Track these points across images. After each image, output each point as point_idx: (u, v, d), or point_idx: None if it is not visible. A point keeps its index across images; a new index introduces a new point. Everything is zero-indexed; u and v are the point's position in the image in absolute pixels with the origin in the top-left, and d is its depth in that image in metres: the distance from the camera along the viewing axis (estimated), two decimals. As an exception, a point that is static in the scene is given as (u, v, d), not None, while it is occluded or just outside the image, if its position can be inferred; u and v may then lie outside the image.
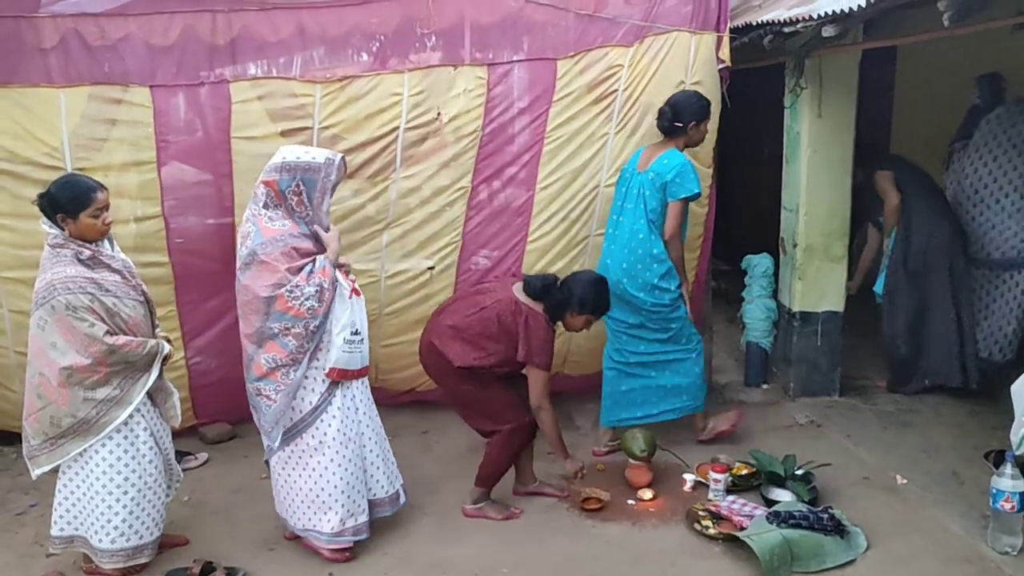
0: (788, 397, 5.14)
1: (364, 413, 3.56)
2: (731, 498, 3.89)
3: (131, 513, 3.29)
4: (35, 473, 3.29)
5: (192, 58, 4.17)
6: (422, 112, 4.42)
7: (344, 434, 3.46)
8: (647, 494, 3.99)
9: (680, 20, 4.55)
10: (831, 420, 4.83)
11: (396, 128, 4.41)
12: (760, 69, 5.08)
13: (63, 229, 3.16)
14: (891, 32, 4.72)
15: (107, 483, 3.24)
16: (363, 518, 3.53)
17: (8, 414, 4.40)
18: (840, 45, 4.38)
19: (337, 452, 3.44)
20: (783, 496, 3.87)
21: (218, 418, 4.75)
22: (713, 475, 3.94)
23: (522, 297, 3.75)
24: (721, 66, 4.58)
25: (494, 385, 3.78)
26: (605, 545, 3.63)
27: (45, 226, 3.18)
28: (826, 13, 3.89)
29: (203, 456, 4.51)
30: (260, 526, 3.81)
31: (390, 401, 4.75)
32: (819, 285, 5.02)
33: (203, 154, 4.28)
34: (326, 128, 4.34)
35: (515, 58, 4.48)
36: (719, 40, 4.56)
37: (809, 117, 4.79)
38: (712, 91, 4.57)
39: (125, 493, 3.27)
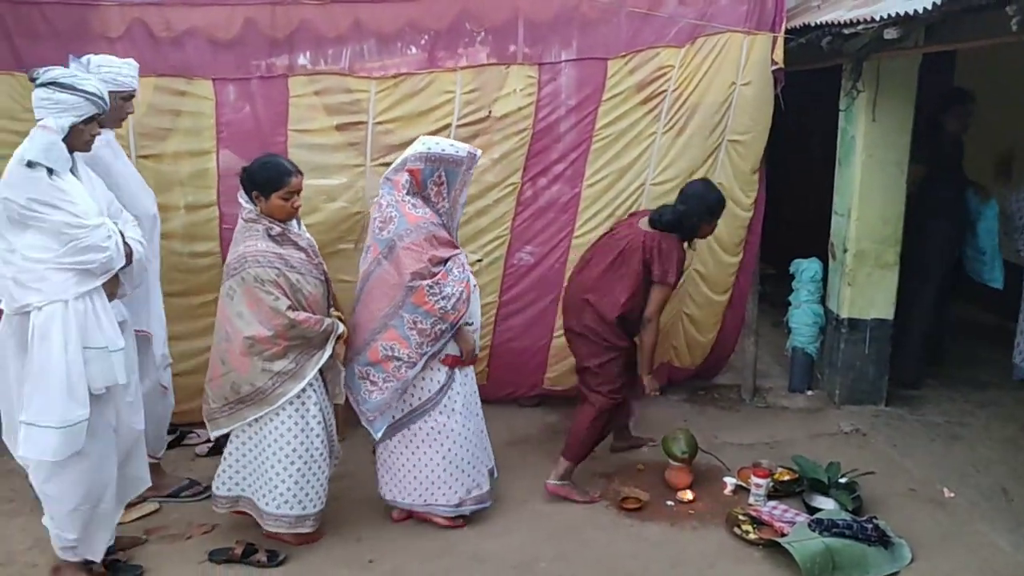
0: (833, 404, 5.07)
1: (474, 392, 3.78)
2: (772, 503, 3.86)
3: (296, 483, 3.42)
4: (213, 434, 3.47)
5: (252, 50, 4.25)
6: (474, 109, 4.47)
7: (468, 408, 3.68)
8: (687, 496, 3.98)
9: (734, 20, 4.52)
10: (877, 429, 4.76)
11: (448, 125, 4.47)
12: (813, 71, 5.01)
13: (256, 205, 3.31)
14: (953, 36, 4.62)
15: (277, 451, 3.39)
16: (486, 487, 3.76)
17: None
18: (901, 48, 4.30)
19: (464, 427, 3.66)
20: (826, 504, 3.83)
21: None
22: (754, 479, 3.91)
23: (651, 230, 3.94)
24: (775, 67, 4.54)
25: (622, 357, 3.98)
26: (644, 544, 3.63)
27: (242, 200, 3.36)
28: (889, 15, 3.82)
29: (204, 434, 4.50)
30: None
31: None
32: (869, 292, 4.94)
33: (258, 145, 4.33)
34: (380, 123, 4.40)
35: (564, 56, 4.51)
36: (774, 41, 4.52)
37: (864, 121, 4.72)
38: (763, 92, 4.57)
39: (292, 463, 3.40)
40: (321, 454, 3.48)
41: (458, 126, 4.46)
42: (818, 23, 4.42)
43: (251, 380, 3.31)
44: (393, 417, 3.62)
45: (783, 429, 4.68)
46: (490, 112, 4.48)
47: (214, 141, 4.28)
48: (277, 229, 3.34)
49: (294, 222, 3.45)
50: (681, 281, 4.73)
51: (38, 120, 3.01)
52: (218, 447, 4.21)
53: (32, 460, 3.05)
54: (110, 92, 3.42)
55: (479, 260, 4.66)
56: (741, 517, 3.74)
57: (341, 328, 3.46)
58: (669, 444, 4.11)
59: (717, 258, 4.94)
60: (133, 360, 3.36)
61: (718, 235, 4.64)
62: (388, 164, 4.37)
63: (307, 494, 3.48)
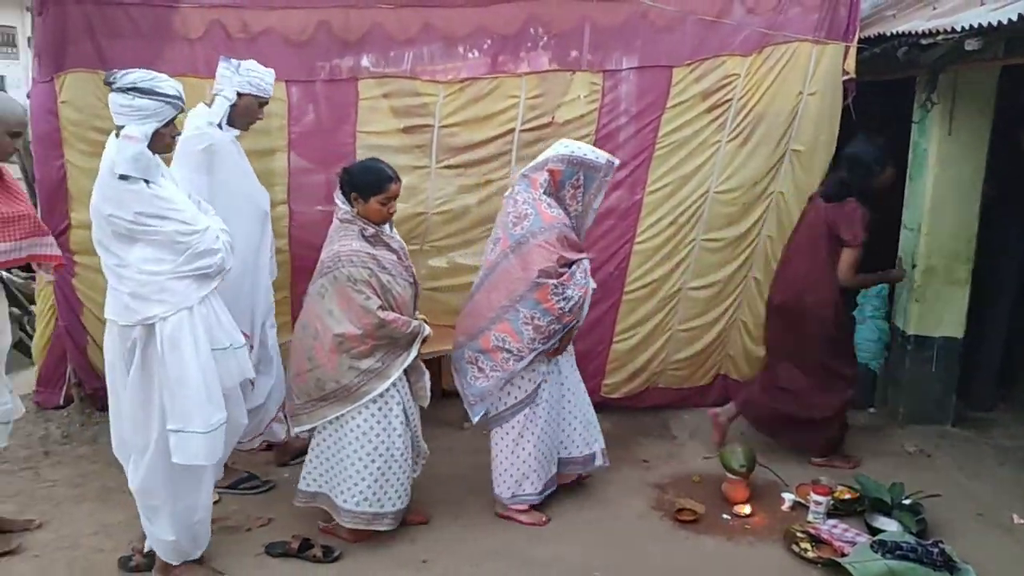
0: (896, 423, 4.94)
1: (567, 376, 3.86)
2: (832, 522, 3.78)
3: (376, 481, 3.46)
4: (295, 431, 3.55)
5: (323, 52, 4.35)
6: (538, 115, 4.53)
7: (549, 403, 3.76)
8: (744, 510, 3.92)
9: (804, 29, 4.46)
10: (943, 450, 4.62)
11: (512, 129, 4.53)
12: (883, 82, 4.90)
13: (352, 206, 3.38)
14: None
15: (358, 449, 3.43)
16: (553, 470, 3.86)
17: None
18: (980, 60, 4.18)
19: (545, 422, 3.75)
20: (888, 525, 3.74)
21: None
22: (814, 497, 3.83)
23: (829, 204, 4.20)
24: (846, 78, 4.46)
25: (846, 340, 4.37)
26: (699, 557, 3.58)
27: (338, 200, 3.42)
28: (971, 26, 3.71)
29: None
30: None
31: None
32: (937, 309, 4.80)
33: (326, 146, 4.47)
34: (446, 127, 4.48)
35: (626, 62, 4.52)
36: (846, 50, 4.44)
37: (938, 134, 4.60)
38: (830, 103, 4.50)
39: (372, 461, 3.44)
40: (403, 454, 3.51)
41: (522, 130, 4.52)
42: (894, 33, 4.33)
43: (337, 377, 3.36)
44: (496, 411, 3.74)
45: (844, 446, 4.56)
46: (553, 118, 4.52)
47: (285, 141, 4.38)
48: (371, 230, 3.40)
49: (387, 225, 3.51)
50: (741, 285, 4.78)
51: (117, 126, 3.03)
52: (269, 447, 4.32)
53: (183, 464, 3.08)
54: (250, 95, 3.68)
55: None
56: (800, 534, 3.67)
57: (427, 330, 3.50)
58: (727, 457, 4.05)
59: (773, 268, 4.81)
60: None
61: (775, 246, 4.65)
62: (452, 167, 4.53)
63: (386, 492, 3.51)
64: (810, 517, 3.83)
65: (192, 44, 4.17)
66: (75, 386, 4.74)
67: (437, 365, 4.87)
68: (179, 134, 3.24)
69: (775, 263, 4.79)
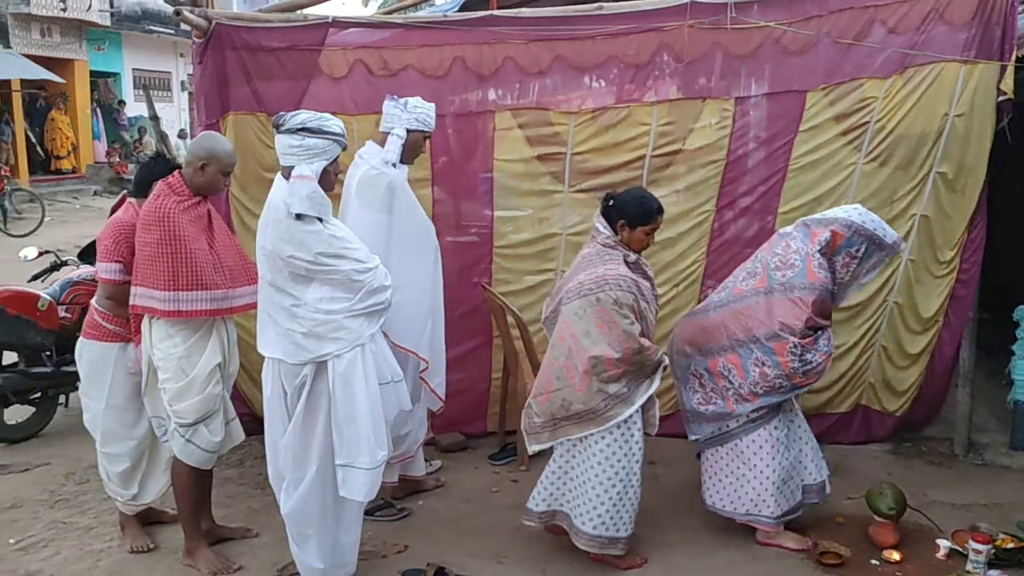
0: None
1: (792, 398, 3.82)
2: (994, 573, 3.51)
3: (614, 506, 3.49)
4: (532, 448, 3.61)
5: (459, 86, 4.50)
6: (669, 141, 4.55)
7: (783, 422, 3.74)
8: (894, 556, 3.70)
9: (951, 49, 4.27)
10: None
11: (643, 156, 4.58)
12: None
13: (616, 233, 3.48)
14: None
15: (599, 473, 3.48)
16: (799, 496, 3.79)
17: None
18: None
19: (787, 436, 3.74)
20: (1058, 578, 3.45)
21: (452, 428, 4.95)
22: (973, 544, 3.57)
23: None
24: (1002, 98, 4.22)
25: None
26: (846, 605, 3.40)
27: (599, 225, 3.53)
28: None
29: (436, 464, 4.71)
30: (490, 537, 3.92)
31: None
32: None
33: (467, 174, 4.66)
34: (578, 153, 4.57)
35: (756, 87, 4.49)
36: (1002, 70, 4.20)
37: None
38: (980, 123, 4.31)
39: (613, 486, 3.48)
40: (638, 480, 3.53)
41: (652, 156, 4.56)
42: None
43: (585, 400, 3.41)
44: (718, 431, 3.75)
45: (1004, 490, 4.26)
46: (684, 145, 4.53)
47: (430, 171, 4.54)
48: (633, 257, 3.49)
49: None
50: (879, 309, 4.66)
51: (284, 167, 3.13)
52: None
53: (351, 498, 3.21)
54: (418, 131, 3.85)
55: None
56: (959, 585, 3.44)
57: (666, 360, 3.55)
58: (875, 499, 3.84)
59: (916, 292, 4.66)
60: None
61: (918, 269, 4.51)
62: (584, 191, 4.63)
63: (622, 517, 3.51)
64: (969, 567, 3.57)
65: (338, 83, 4.38)
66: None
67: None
68: (342, 172, 3.36)
69: (917, 286, 4.61)
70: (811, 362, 3.52)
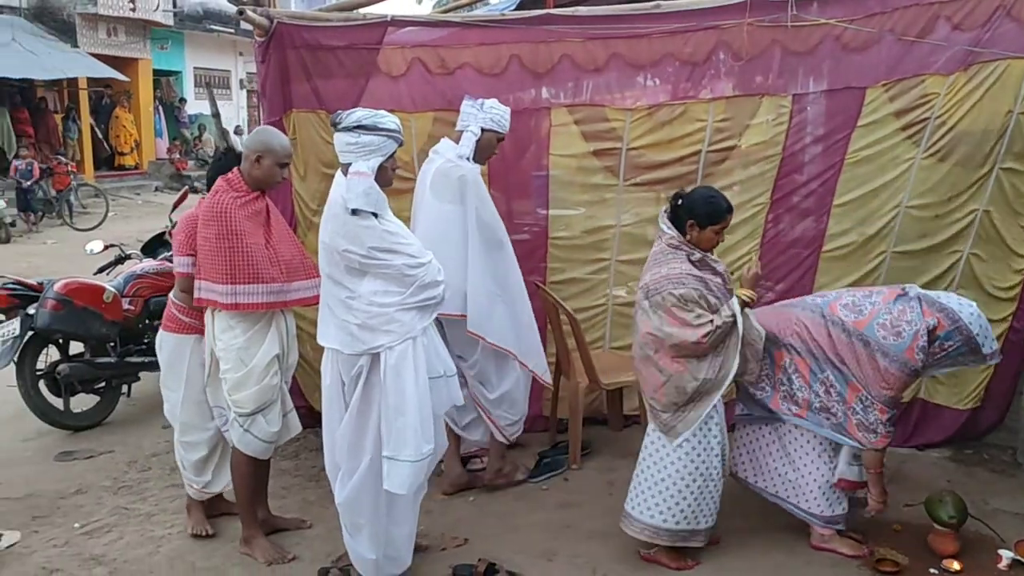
0: None
1: None
2: (1058, 585, 3.42)
3: (695, 500, 3.52)
4: (676, 442, 3.55)
5: (516, 84, 4.53)
6: (724, 137, 4.56)
7: None
8: (954, 565, 3.61)
9: (1018, 46, 4.17)
10: None
11: (698, 151, 4.58)
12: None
13: (686, 233, 3.51)
14: None
15: (680, 469, 3.51)
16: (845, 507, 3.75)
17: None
18: None
19: (824, 446, 3.69)
20: None
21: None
22: (1037, 556, 3.48)
23: None
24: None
25: None
26: (904, 613, 3.33)
27: (663, 226, 3.57)
28: None
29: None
30: (540, 535, 3.92)
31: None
32: None
33: (523, 168, 4.72)
34: (633, 149, 4.59)
35: (815, 84, 4.45)
36: (1075, 68, 4.08)
37: None
38: None
39: (694, 480, 3.51)
40: (718, 472, 3.56)
41: (708, 151, 4.57)
42: None
43: (695, 374, 3.44)
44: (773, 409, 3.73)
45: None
46: (740, 141, 4.53)
47: (486, 170, 4.50)
48: (697, 255, 3.49)
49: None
50: None
51: (343, 164, 3.21)
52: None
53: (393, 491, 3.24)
54: (491, 131, 3.96)
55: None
56: (1021, 597, 3.34)
57: (737, 307, 3.50)
58: (934, 506, 3.75)
59: (984, 284, 4.57)
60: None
61: (984, 264, 4.46)
62: (639, 184, 4.71)
63: (701, 510, 3.55)
64: (1032, 578, 3.49)
65: (396, 81, 4.44)
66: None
67: (619, 393, 4.87)
68: (398, 168, 3.42)
69: (986, 283, 4.55)
70: (871, 423, 3.47)
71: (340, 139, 3.17)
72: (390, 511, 3.34)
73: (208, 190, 3.76)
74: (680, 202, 3.53)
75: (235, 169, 3.56)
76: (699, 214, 3.48)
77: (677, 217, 3.53)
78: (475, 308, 3.94)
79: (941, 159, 4.37)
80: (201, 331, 3.69)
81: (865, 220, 4.54)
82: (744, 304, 3.49)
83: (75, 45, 18.07)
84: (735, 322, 3.45)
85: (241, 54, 23.92)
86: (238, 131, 21.06)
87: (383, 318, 3.14)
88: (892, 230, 4.53)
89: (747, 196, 4.62)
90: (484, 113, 3.92)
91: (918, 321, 3.39)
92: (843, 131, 4.43)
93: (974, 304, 3.48)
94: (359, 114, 3.16)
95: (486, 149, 4.01)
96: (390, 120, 3.20)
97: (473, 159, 3.97)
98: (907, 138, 4.37)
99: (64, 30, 18.11)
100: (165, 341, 3.81)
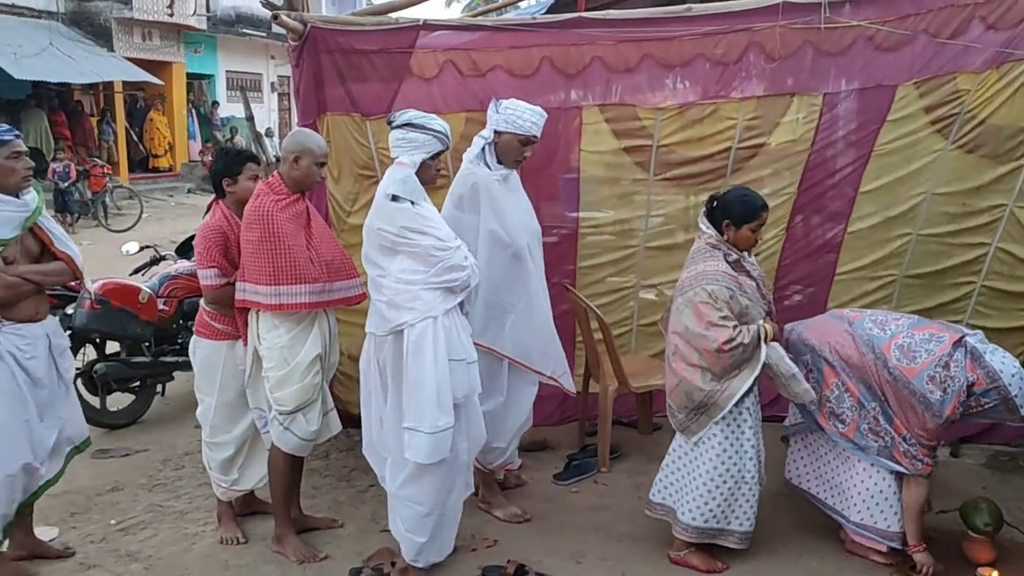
0: None
1: None
2: (1097, 595, 3.36)
3: (724, 500, 3.54)
4: (691, 440, 3.61)
5: (548, 85, 4.54)
6: (754, 135, 4.61)
7: None
8: (991, 573, 3.55)
9: None
10: None
11: (728, 148, 4.63)
12: None
13: (722, 233, 3.57)
14: None
15: (710, 469, 3.53)
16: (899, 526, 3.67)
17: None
18: None
19: None
20: None
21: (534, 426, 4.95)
22: (1076, 566, 3.43)
23: None
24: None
25: None
26: (941, 622, 3.29)
27: (702, 225, 3.63)
28: None
29: (517, 462, 4.73)
30: (569, 538, 3.92)
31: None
32: None
33: (553, 163, 4.74)
34: (664, 145, 4.63)
35: (847, 84, 4.46)
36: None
37: None
38: None
39: (724, 482, 3.52)
40: (752, 476, 3.55)
41: (738, 148, 4.61)
42: None
43: (701, 386, 3.47)
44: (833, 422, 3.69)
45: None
46: (768, 140, 4.59)
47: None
48: (734, 256, 3.54)
49: (745, 253, 3.62)
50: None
51: (394, 158, 3.42)
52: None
53: (410, 461, 3.33)
54: (507, 133, 3.83)
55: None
56: (1059, 607, 3.29)
57: (769, 330, 3.52)
58: (970, 514, 3.71)
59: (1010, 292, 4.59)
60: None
61: (1011, 268, 4.45)
62: (668, 179, 4.76)
63: (733, 511, 3.56)
64: (1070, 588, 3.43)
65: (428, 83, 4.46)
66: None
67: (650, 397, 4.86)
68: (442, 169, 3.54)
69: (1008, 281, 4.58)
70: (915, 456, 3.47)
71: (392, 136, 3.40)
72: (430, 492, 3.40)
73: (213, 190, 3.84)
74: (715, 204, 3.58)
75: (276, 172, 3.64)
76: (734, 213, 3.53)
77: (714, 219, 3.58)
78: (472, 317, 3.79)
79: (969, 151, 4.41)
80: (234, 336, 3.75)
81: (890, 204, 4.61)
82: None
83: (111, 49, 18.37)
84: (758, 345, 3.45)
85: (272, 57, 24.17)
86: (268, 133, 21.27)
87: (407, 295, 3.27)
88: (918, 214, 4.59)
89: (776, 185, 4.68)
90: (499, 115, 3.86)
91: (962, 377, 3.37)
92: (872, 125, 4.47)
93: (1017, 364, 3.42)
94: (411, 114, 3.41)
95: (506, 151, 3.87)
96: (439, 123, 3.41)
97: (498, 162, 3.90)
98: (936, 131, 4.41)
99: (100, 35, 18.42)
100: (199, 347, 3.85)
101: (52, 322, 3.70)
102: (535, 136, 3.89)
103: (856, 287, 4.82)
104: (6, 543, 3.53)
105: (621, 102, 4.58)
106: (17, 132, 3.56)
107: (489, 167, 3.89)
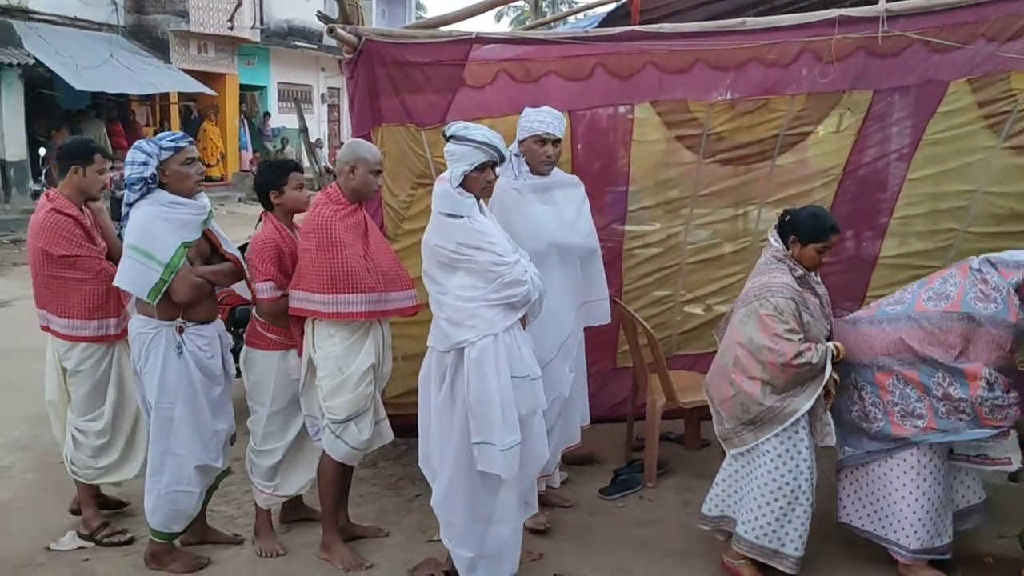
0: None
1: None
2: None
3: (777, 519, 3.49)
4: (731, 452, 3.63)
5: (602, 89, 4.56)
6: (802, 124, 4.66)
7: (927, 455, 3.53)
8: (1052, 603, 3.46)
9: None
10: None
11: (776, 135, 4.70)
12: None
13: (788, 248, 3.59)
14: None
15: (768, 482, 3.50)
16: (947, 539, 3.56)
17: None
18: None
19: (939, 468, 3.55)
20: None
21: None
22: None
23: None
24: None
25: None
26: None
27: (772, 239, 3.65)
28: None
29: (563, 476, 4.70)
30: (615, 553, 3.89)
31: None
32: None
33: (604, 155, 4.78)
34: (714, 134, 4.68)
35: (899, 82, 4.50)
36: None
37: None
38: None
39: (777, 499, 3.49)
40: (807, 496, 3.49)
41: (785, 134, 4.67)
42: None
43: (760, 400, 3.45)
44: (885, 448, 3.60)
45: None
46: (816, 128, 4.67)
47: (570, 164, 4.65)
48: (799, 271, 3.54)
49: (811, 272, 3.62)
50: None
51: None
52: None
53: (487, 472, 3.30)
54: (527, 138, 3.93)
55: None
56: None
57: (838, 351, 3.50)
58: (1031, 539, 3.60)
59: None
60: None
61: None
62: (719, 163, 4.79)
63: (787, 532, 3.49)
64: None
65: (482, 90, 4.48)
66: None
67: (698, 414, 4.80)
68: (494, 179, 3.46)
69: None
70: (999, 397, 3.31)
71: (445, 149, 3.37)
72: (484, 506, 3.38)
73: (259, 202, 3.90)
74: (788, 218, 3.58)
75: (334, 183, 3.68)
76: (802, 230, 3.52)
77: (783, 232, 3.57)
78: None
79: (1020, 153, 4.43)
80: (287, 346, 3.79)
81: (938, 197, 4.66)
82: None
83: (168, 61, 18.83)
84: (824, 367, 3.41)
85: (323, 69, 24.55)
86: (318, 143, 21.55)
87: (466, 313, 3.25)
88: (967, 211, 4.63)
89: (821, 166, 4.74)
90: (518, 128, 3.91)
91: (1003, 284, 3.31)
92: (922, 115, 4.51)
93: None
94: (454, 126, 3.37)
95: (531, 155, 3.96)
96: (480, 133, 3.32)
97: (531, 172, 3.96)
98: (987, 127, 4.44)
99: (158, 47, 18.89)
100: (251, 358, 3.87)
101: (220, 322, 3.87)
102: (548, 132, 3.93)
103: (899, 273, 4.76)
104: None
105: (672, 100, 4.61)
106: (191, 139, 3.71)
107: (516, 176, 3.94)
